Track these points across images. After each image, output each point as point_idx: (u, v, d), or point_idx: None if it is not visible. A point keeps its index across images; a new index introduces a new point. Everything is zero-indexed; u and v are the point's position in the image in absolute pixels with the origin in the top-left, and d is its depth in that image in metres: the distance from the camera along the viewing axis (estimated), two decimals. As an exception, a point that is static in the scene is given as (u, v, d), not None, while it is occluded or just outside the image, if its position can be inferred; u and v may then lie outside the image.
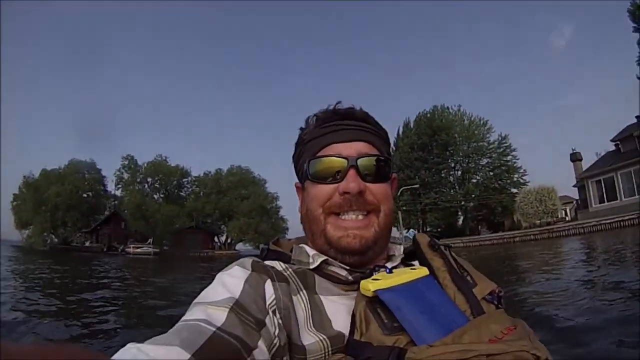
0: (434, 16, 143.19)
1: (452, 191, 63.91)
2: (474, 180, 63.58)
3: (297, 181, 1.40)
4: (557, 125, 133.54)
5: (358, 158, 1.20)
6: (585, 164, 48.82)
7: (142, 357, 0.70)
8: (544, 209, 47.54)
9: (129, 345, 0.74)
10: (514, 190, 58.86)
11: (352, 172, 1.18)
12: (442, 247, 1.23)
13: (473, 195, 61.52)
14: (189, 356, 0.73)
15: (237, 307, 0.92)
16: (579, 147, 68.36)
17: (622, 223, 34.03)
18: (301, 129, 1.35)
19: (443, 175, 64.80)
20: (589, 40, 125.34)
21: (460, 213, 65.38)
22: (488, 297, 1.09)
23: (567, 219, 53.46)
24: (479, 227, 61.80)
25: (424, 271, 1.12)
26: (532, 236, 41.15)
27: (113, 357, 0.68)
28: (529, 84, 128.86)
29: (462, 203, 62.87)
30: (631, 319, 6.35)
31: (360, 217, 1.19)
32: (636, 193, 38.67)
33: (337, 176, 1.20)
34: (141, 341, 0.76)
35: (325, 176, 1.22)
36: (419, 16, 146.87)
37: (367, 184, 1.20)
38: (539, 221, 47.11)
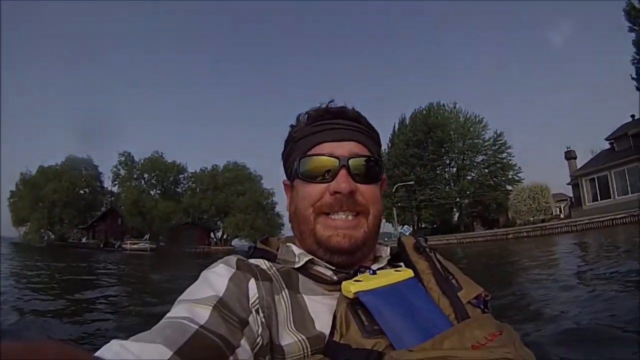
0: (430, 11, 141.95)
1: (447, 188, 63.76)
2: (469, 177, 63.56)
3: (286, 179, 1.37)
4: (553, 122, 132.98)
5: (349, 158, 1.18)
6: (581, 162, 48.95)
7: (124, 354, 0.69)
8: (536, 207, 47.61)
9: (112, 341, 0.73)
10: (509, 187, 58.39)
11: (343, 172, 1.16)
12: (428, 250, 1.22)
13: (468, 192, 61.57)
14: (171, 354, 0.73)
15: (220, 305, 0.90)
16: (575, 144, 68.34)
17: (614, 221, 34.05)
18: (292, 126, 1.32)
19: (438, 172, 64.51)
20: (587, 37, 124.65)
21: (455, 210, 65.39)
22: (474, 301, 1.09)
23: (561, 216, 53.40)
24: (474, 223, 61.91)
25: (409, 273, 1.11)
26: (525, 233, 41.20)
27: (96, 354, 0.66)
28: (524, 81, 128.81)
29: (457, 200, 62.86)
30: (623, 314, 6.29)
31: (350, 217, 1.17)
32: (629, 192, 38.84)
33: (327, 176, 1.18)
34: (126, 338, 0.75)
35: (316, 175, 1.19)
36: (413, 10, 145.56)
37: (358, 185, 1.18)
38: (532, 218, 47.15)
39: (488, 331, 0.93)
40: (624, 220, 33.33)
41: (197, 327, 0.82)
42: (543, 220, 45.64)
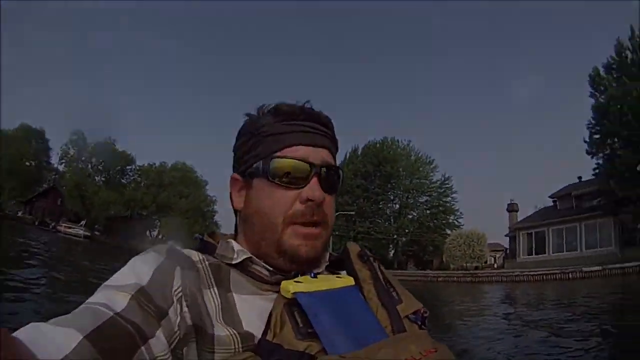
0: (401, 48, 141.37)
1: (387, 223, 62.48)
2: (410, 216, 62.74)
3: (236, 174, 1.17)
4: (503, 173, 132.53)
5: (322, 166, 1.07)
6: (523, 214, 50.05)
7: (38, 336, 0.68)
8: (471, 253, 47.25)
9: (30, 324, 0.71)
10: (448, 231, 57.68)
11: (315, 179, 1.05)
12: (371, 259, 1.12)
13: (407, 230, 60.61)
14: (81, 338, 0.70)
15: (140, 294, 0.85)
16: (520, 198, 71.61)
17: (545, 276, 33.85)
18: (250, 115, 1.15)
19: (381, 206, 63.39)
20: (550, 96, 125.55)
21: (391, 246, 63.30)
22: (412, 316, 1.03)
23: (495, 265, 53.79)
24: (408, 262, 60.13)
25: (350, 281, 1.05)
26: (455, 278, 41.37)
27: (12, 335, 0.65)
28: (482, 128, 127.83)
29: (395, 236, 61.44)
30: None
31: (314, 227, 1.05)
32: (564, 249, 39.85)
33: (297, 181, 1.05)
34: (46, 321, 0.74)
35: (287, 179, 1.05)
36: (382, 48, 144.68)
37: (325, 195, 1.07)
38: (466, 264, 47.11)
39: (423, 347, 0.90)
40: (555, 276, 33.19)
41: (112, 314, 0.78)
42: (476, 268, 45.94)
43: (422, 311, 1.03)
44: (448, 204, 61.88)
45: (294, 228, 1.03)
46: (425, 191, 62.70)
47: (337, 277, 1.04)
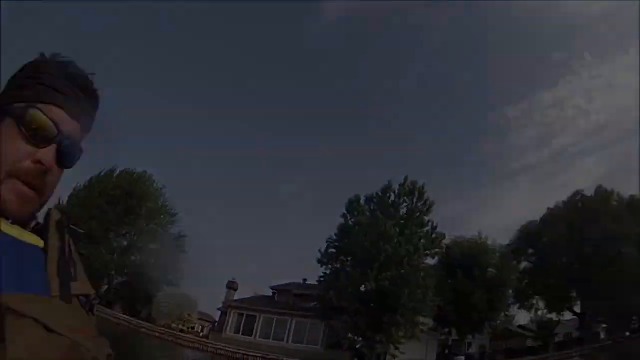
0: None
1: (109, 256, 55.41)
2: (134, 258, 57.66)
3: None
4: (240, 250, 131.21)
5: (68, 138, 0.99)
6: (243, 294, 52.50)
7: None
8: (178, 315, 50.73)
9: None
10: (166, 287, 56.08)
11: (54, 147, 0.97)
12: (66, 231, 1.04)
13: (126, 271, 56.33)
14: None
15: None
16: (243, 278, 77.25)
17: (246, 356, 35.80)
18: (42, 56, 1.05)
19: (110, 236, 56.74)
20: (309, 202, 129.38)
21: (106, 280, 55.98)
22: (82, 298, 0.98)
23: (201, 334, 54.65)
24: (115, 303, 54.46)
25: (39, 242, 0.97)
26: (158, 334, 41.66)
27: None
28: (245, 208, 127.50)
29: (113, 273, 55.93)
30: None
31: (32, 190, 0.94)
32: (271, 338, 42.51)
33: (39, 140, 0.95)
34: None
35: (32, 133, 0.95)
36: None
37: (55, 166, 1.00)
38: (172, 324, 48.16)
39: (81, 326, 0.89)
40: (256, 359, 35.51)
41: None
42: (181, 330, 47.69)
43: (92, 297, 0.98)
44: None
45: (14, 183, 0.92)
46: (157, 240, 57.96)
47: (29, 233, 0.94)
